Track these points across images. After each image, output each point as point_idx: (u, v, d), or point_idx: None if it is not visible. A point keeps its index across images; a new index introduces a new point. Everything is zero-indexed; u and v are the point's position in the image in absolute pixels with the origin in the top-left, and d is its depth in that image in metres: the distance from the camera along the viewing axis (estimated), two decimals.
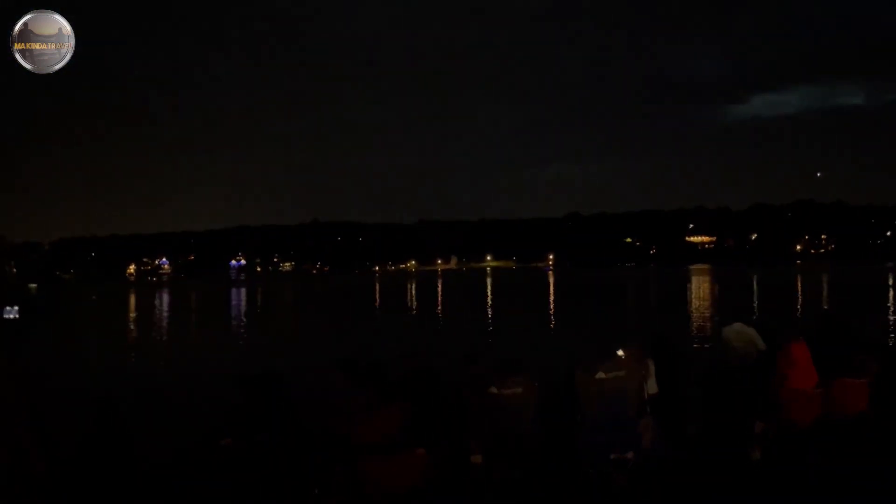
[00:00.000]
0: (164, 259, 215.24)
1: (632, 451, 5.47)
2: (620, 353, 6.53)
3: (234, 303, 55.36)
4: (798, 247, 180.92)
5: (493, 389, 5.51)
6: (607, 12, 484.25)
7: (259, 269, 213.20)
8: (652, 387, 7.32)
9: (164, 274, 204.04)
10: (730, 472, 6.19)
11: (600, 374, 5.69)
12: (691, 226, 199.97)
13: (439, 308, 43.37)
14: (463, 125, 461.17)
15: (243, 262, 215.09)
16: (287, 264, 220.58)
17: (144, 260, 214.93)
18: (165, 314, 44.54)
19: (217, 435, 5.57)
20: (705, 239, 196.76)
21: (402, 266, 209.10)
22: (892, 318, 26.16)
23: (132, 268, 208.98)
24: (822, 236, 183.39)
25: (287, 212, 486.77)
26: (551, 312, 36.90)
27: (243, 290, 79.12)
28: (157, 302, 59.54)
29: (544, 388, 6.16)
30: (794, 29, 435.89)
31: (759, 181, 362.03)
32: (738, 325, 8.62)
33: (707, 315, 30.31)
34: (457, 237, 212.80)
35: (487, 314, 36.14)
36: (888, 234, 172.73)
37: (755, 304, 36.64)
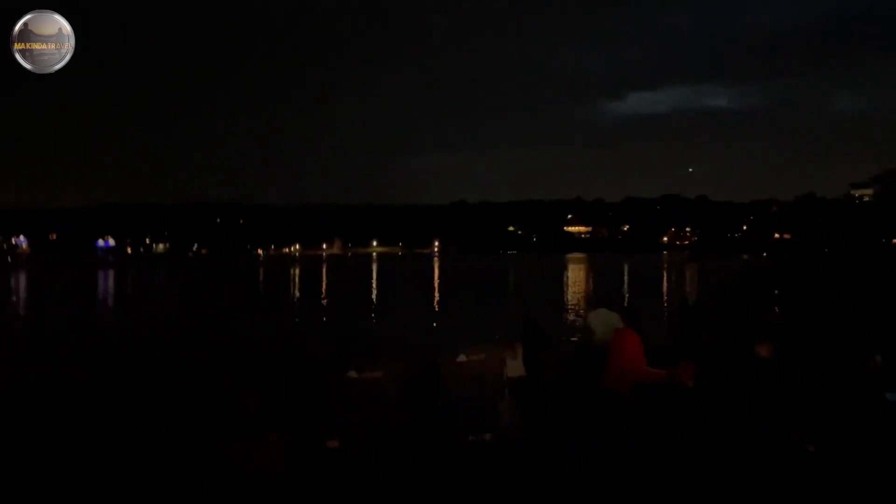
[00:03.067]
0: (21, 237, 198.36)
1: (490, 432, 5.59)
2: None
3: (98, 286, 51.94)
4: (665, 238, 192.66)
5: (353, 374, 5.45)
6: (495, 7, 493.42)
7: (130, 250, 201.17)
8: (517, 370, 7.50)
9: (22, 254, 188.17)
10: (587, 451, 6.40)
11: (462, 358, 5.77)
12: (570, 216, 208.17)
13: (322, 292, 42.71)
14: (350, 111, 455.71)
15: (112, 242, 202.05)
16: (161, 245, 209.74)
17: None
18: (16, 297, 41.07)
19: (58, 422, 5.21)
20: (582, 229, 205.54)
21: (284, 250, 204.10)
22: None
23: None
24: (687, 229, 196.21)
25: (162, 190, 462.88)
26: (434, 298, 37.25)
27: (111, 273, 74.39)
28: (11, 284, 54.83)
29: (408, 372, 6.15)
30: (666, 32, 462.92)
31: (632, 175, 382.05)
32: (602, 311, 9.00)
33: (578, 301, 31.66)
34: (342, 222, 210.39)
35: (370, 299, 35.96)
36: (744, 228, 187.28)
37: (624, 291, 38.67)
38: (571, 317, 24.17)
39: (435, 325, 22.60)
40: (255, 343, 6.87)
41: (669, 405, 6.26)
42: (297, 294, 41.78)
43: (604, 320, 8.74)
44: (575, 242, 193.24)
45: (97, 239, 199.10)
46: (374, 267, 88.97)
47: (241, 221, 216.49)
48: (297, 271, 75.14)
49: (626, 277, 56.14)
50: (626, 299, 31.40)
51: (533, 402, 7.17)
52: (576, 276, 58.12)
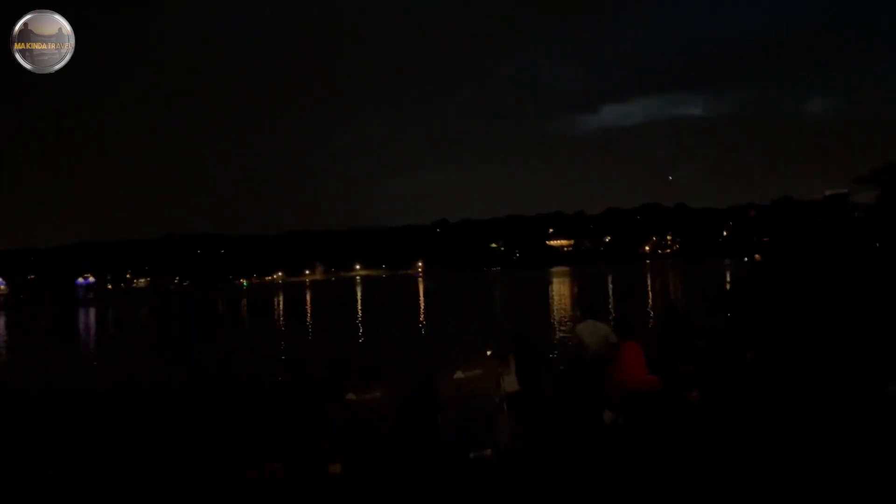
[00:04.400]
0: None
1: (490, 448, 5.61)
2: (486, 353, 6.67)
3: (81, 324, 51.27)
4: (647, 247, 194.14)
5: (351, 396, 5.45)
6: (469, 24, 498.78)
7: (110, 286, 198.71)
8: (512, 384, 7.53)
9: (1, 295, 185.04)
10: (583, 463, 6.42)
11: (459, 374, 5.80)
12: (551, 230, 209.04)
13: (308, 319, 42.50)
14: (328, 134, 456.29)
15: (92, 279, 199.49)
16: (142, 280, 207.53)
17: None
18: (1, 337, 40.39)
19: (44, 461, 5.12)
20: (564, 242, 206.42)
21: (268, 278, 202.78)
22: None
23: None
24: (668, 237, 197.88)
25: (140, 225, 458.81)
26: (421, 318, 37.19)
27: (92, 311, 73.44)
28: None
29: (405, 392, 6.16)
30: (635, 44, 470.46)
31: (611, 186, 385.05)
32: (590, 322, 9.06)
33: (566, 314, 31.78)
34: (324, 247, 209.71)
35: (357, 323, 35.85)
36: (724, 233, 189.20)
37: (610, 302, 38.87)
38: (560, 330, 24.25)
39: (426, 344, 22.58)
40: (248, 371, 6.84)
41: (666, 411, 6.33)
42: (286, 321, 41.53)
43: (593, 332, 8.80)
44: (558, 256, 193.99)
45: (76, 277, 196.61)
46: (359, 290, 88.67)
47: (222, 252, 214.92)
48: (282, 299, 74.66)
49: (611, 288, 56.42)
50: (614, 310, 31.57)
51: (529, 417, 7.20)
52: (561, 290, 58.33)
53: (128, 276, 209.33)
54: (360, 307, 51.66)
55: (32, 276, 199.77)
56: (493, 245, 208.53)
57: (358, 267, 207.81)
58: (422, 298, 59.95)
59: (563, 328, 24.62)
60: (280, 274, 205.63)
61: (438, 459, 5.57)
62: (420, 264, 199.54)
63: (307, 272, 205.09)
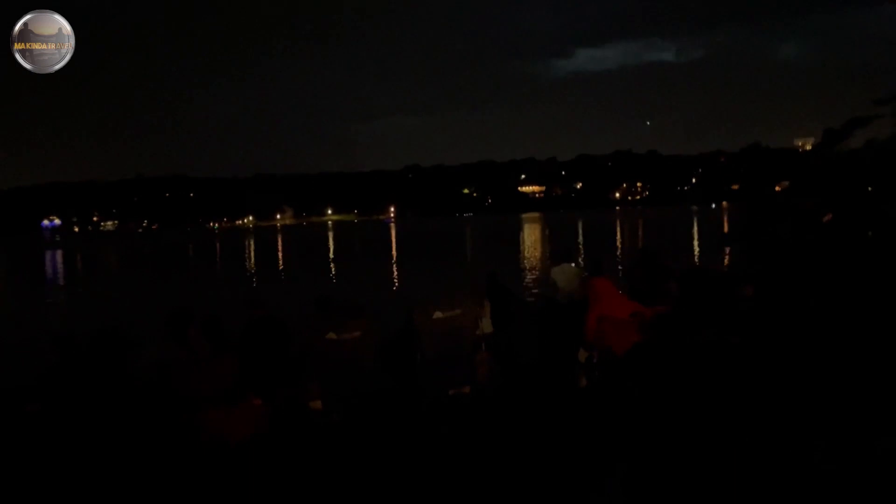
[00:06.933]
0: None
1: (468, 385, 5.74)
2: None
3: (49, 266, 50.46)
4: (618, 194, 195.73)
5: (332, 335, 5.50)
6: None
7: (77, 229, 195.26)
8: (487, 326, 7.67)
9: None
10: (558, 400, 6.61)
11: (437, 314, 5.89)
12: (523, 176, 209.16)
13: (281, 262, 42.38)
14: (300, 78, 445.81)
15: (58, 222, 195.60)
16: (109, 223, 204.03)
17: None
18: None
19: (24, 399, 5.10)
20: (536, 188, 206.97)
21: (237, 222, 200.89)
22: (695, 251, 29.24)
23: None
24: (638, 183, 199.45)
25: (107, 166, 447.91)
26: (394, 261, 37.29)
27: (59, 253, 72.17)
28: None
29: (384, 331, 6.24)
30: None
31: (583, 132, 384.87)
32: (565, 265, 9.21)
33: (539, 258, 32.14)
34: (295, 191, 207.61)
35: (330, 266, 35.85)
36: (693, 180, 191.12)
37: (581, 246, 39.35)
38: (532, 274, 24.56)
39: (403, 286, 22.71)
40: (227, 309, 6.85)
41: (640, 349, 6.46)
42: (258, 264, 41.35)
43: (567, 274, 8.96)
44: (530, 202, 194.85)
45: (42, 219, 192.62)
46: (331, 235, 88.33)
47: (191, 195, 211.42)
48: (252, 242, 74.11)
49: (581, 233, 57.02)
50: (584, 254, 31.97)
51: (504, 357, 7.35)
52: (533, 236, 58.79)
53: (95, 218, 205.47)
54: (332, 251, 51.57)
55: None
56: (465, 191, 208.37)
57: (329, 212, 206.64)
58: (394, 243, 59.99)
59: (535, 272, 24.92)
60: (251, 218, 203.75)
61: (417, 397, 5.69)
62: (392, 209, 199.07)
63: (277, 216, 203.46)
